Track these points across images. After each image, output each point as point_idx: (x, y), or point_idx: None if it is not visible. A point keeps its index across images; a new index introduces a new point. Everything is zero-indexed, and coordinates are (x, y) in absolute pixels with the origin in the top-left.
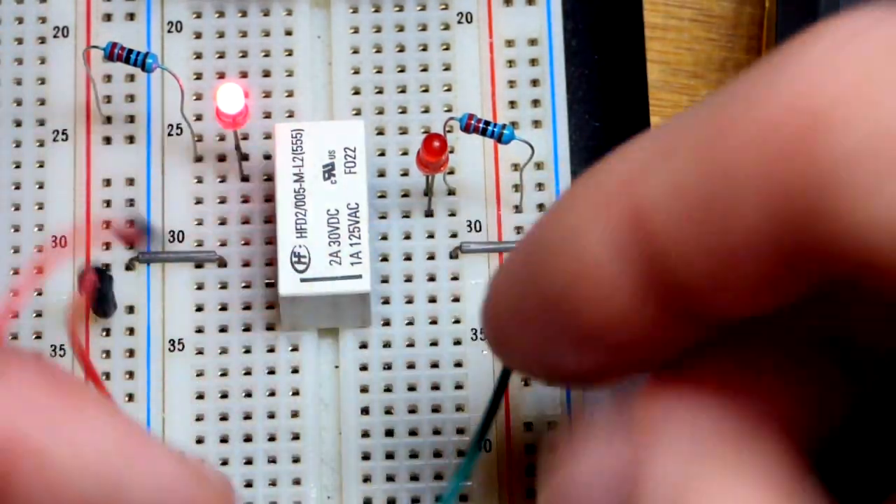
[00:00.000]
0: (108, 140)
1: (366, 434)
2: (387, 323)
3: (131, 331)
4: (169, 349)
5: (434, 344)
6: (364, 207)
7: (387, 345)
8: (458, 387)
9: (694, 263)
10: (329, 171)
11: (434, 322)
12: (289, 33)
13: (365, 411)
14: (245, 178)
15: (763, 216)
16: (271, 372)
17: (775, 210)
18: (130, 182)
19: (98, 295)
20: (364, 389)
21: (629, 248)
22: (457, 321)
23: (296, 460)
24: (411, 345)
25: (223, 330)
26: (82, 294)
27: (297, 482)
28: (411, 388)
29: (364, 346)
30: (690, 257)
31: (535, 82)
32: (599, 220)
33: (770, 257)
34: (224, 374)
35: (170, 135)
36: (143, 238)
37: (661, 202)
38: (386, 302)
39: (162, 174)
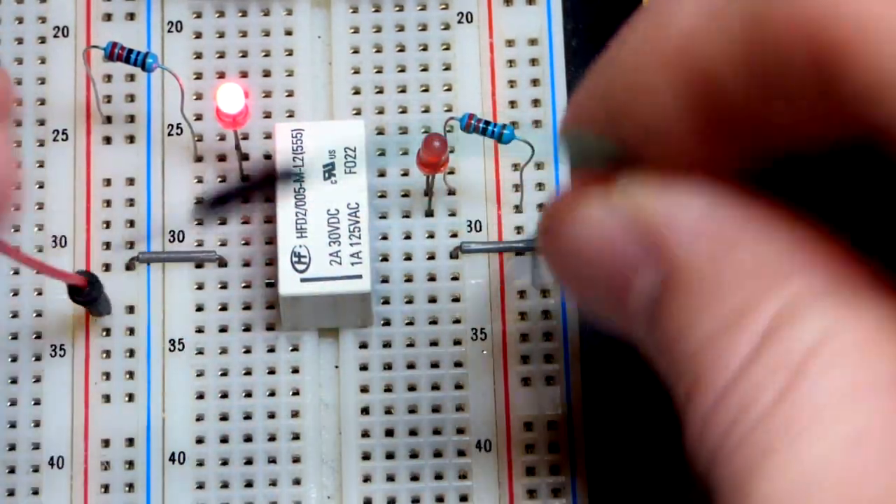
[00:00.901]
0: (108, 140)
1: (366, 434)
2: (387, 323)
3: (131, 331)
4: (169, 349)
5: (434, 344)
6: (364, 207)
7: (387, 345)
8: (458, 387)
9: (739, 82)
10: (329, 171)
11: (434, 322)
12: (289, 33)
13: (365, 411)
14: (245, 178)
15: (800, 52)
16: (271, 372)
17: (811, 50)
18: (130, 182)
19: (89, 299)
20: (364, 389)
21: (682, 74)
22: (457, 321)
23: (296, 460)
24: (411, 345)
25: (223, 330)
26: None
27: (297, 482)
28: (411, 388)
29: (364, 346)
30: (737, 77)
31: (535, 82)
32: (655, 55)
33: (805, 86)
34: (224, 374)
35: (170, 135)
36: None
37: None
38: (386, 302)
39: (162, 174)
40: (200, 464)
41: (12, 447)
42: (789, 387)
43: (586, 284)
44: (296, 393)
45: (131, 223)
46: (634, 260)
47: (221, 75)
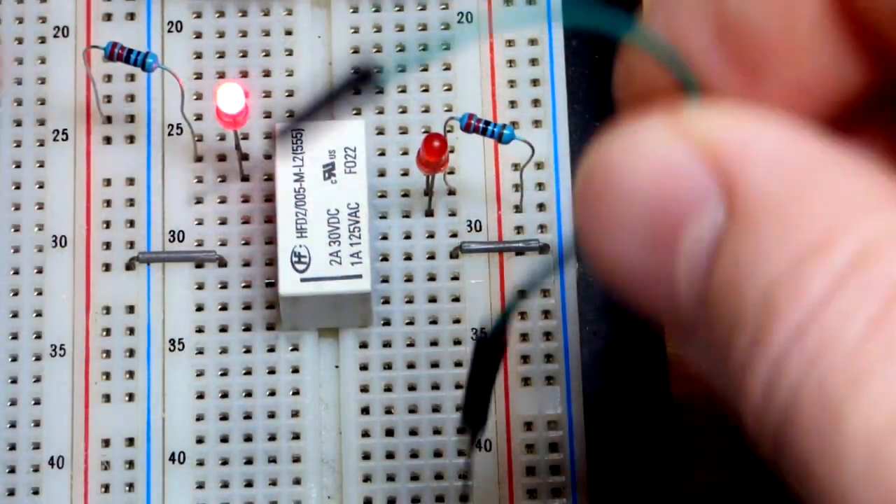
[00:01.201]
0: (108, 140)
1: (366, 434)
2: (387, 323)
3: (131, 331)
4: (169, 349)
5: (434, 344)
6: (364, 207)
7: (387, 345)
8: (458, 387)
9: None
10: (329, 171)
11: (434, 322)
12: (289, 33)
13: (365, 411)
14: (245, 178)
15: None
16: (271, 372)
17: None
18: (130, 182)
19: None
20: (364, 389)
21: None
22: (457, 321)
23: (296, 460)
24: (411, 345)
25: (223, 330)
26: None
27: (297, 482)
28: (411, 388)
29: (364, 345)
30: None
31: (535, 82)
32: None
33: None
34: (224, 374)
35: (170, 135)
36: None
37: None
38: (386, 302)
39: (162, 174)
40: (200, 464)
41: (12, 447)
42: (884, 313)
43: (628, 232)
44: (296, 393)
45: (131, 223)
46: (698, 193)
47: (221, 75)
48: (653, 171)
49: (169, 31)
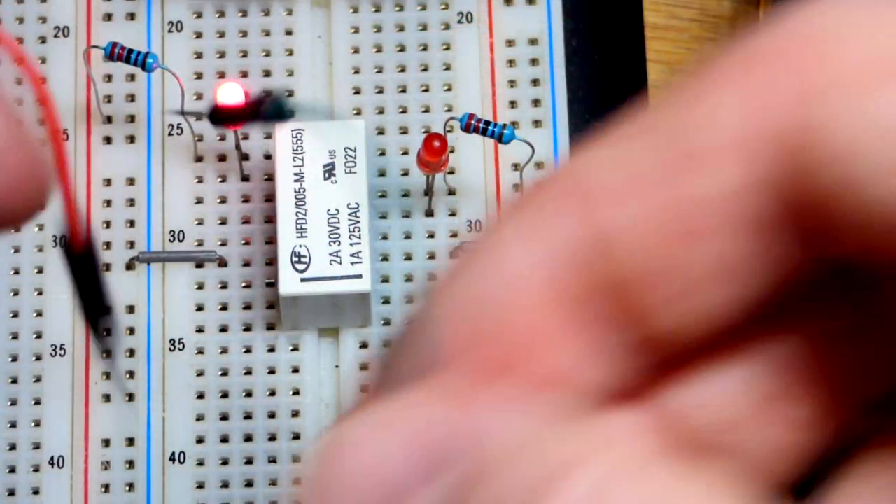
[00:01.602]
0: (108, 140)
1: None
2: (387, 323)
3: (131, 331)
4: (169, 349)
5: None
6: (364, 207)
7: (387, 344)
8: None
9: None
10: (329, 171)
11: None
12: (289, 33)
13: None
14: (245, 178)
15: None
16: (271, 372)
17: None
18: (130, 182)
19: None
20: (364, 389)
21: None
22: None
23: (296, 460)
24: None
25: (223, 330)
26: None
27: (297, 482)
28: None
29: (364, 345)
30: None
31: (535, 82)
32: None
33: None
34: (224, 374)
35: (170, 134)
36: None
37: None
38: (386, 302)
39: (162, 174)
40: (200, 463)
41: (12, 447)
42: None
43: None
44: (296, 393)
45: (131, 223)
46: (426, 470)
47: (222, 75)
48: (364, 466)
49: (169, 31)
